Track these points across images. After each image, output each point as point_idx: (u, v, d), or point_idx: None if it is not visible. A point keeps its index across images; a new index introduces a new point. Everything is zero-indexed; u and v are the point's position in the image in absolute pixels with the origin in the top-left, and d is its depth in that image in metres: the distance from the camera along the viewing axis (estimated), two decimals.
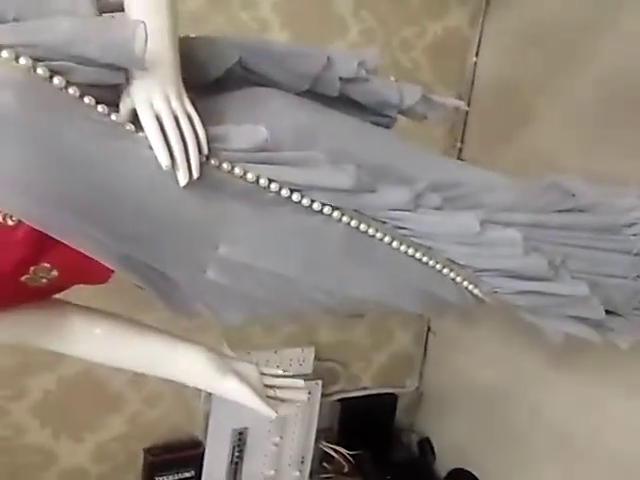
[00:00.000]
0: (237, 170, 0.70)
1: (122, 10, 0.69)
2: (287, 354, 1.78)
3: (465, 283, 0.92)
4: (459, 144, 2.00)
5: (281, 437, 1.79)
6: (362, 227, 0.81)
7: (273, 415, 0.83)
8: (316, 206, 0.77)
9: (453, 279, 0.90)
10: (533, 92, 1.73)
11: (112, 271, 0.69)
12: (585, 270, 0.94)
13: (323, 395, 1.89)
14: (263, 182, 0.72)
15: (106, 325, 0.80)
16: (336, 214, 0.78)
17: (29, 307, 0.74)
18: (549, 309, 0.96)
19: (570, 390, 1.56)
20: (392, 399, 2.03)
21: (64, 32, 0.58)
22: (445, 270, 0.89)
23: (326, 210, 0.77)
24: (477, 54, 1.95)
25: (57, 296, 0.76)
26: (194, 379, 0.82)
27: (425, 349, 2.10)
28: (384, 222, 0.83)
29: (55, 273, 0.65)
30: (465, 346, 1.93)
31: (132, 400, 1.64)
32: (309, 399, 1.85)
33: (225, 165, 0.70)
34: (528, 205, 0.94)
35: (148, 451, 1.64)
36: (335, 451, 1.89)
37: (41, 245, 0.62)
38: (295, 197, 0.75)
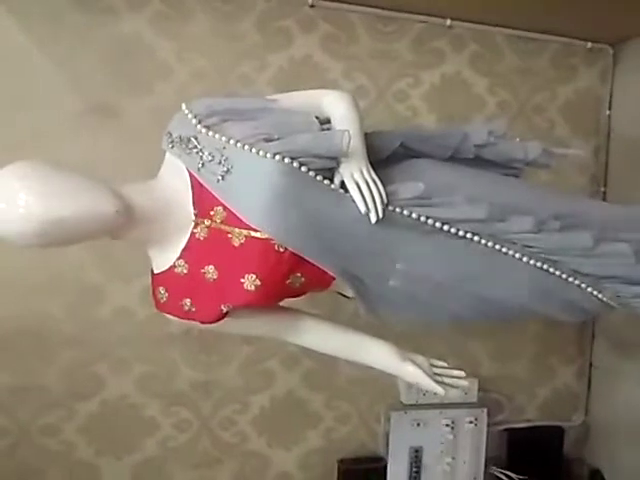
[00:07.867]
0: (405, 212, 1.07)
1: (329, 122, 1.14)
2: None
3: (589, 289, 1.16)
4: (603, 188, 2.18)
5: (453, 458, 2.01)
6: (497, 247, 1.12)
7: (442, 392, 1.13)
8: (461, 233, 1.10)
9: (578, 285, 1.16)
10: None
11: (332, 279, 1.10)
12: None
13: (489, 424, 2.09)
14: (423, 219, 1.08)
15: (321, 323, 1.19)
16: (476, 238, 1.11)
17: (274, 310, 1.17)
18: None
19: None
20: (559, 431, 2.14)
21: (306, 142, 1.02)
22: (570, 279, 1.16)
23: (468, 235, 1.10)
24: (610, 107, 2.15)
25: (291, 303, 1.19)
26: (382, 362, 1.16)
27: (589, 384, 2.20)
28: (514, 243, 1.13)
29: (303, 279, 1.06)
30: (629, 378, 2.00)
31: (326, 418, 2.02)
32: (476, 425, 2.06)
33: (397, 209, 1.07)
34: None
35: (341, 462, 1.99)
36: (506, 476, 2.05)
37: (296, 262, 1.04)
38: (445, 228, 1.09)
